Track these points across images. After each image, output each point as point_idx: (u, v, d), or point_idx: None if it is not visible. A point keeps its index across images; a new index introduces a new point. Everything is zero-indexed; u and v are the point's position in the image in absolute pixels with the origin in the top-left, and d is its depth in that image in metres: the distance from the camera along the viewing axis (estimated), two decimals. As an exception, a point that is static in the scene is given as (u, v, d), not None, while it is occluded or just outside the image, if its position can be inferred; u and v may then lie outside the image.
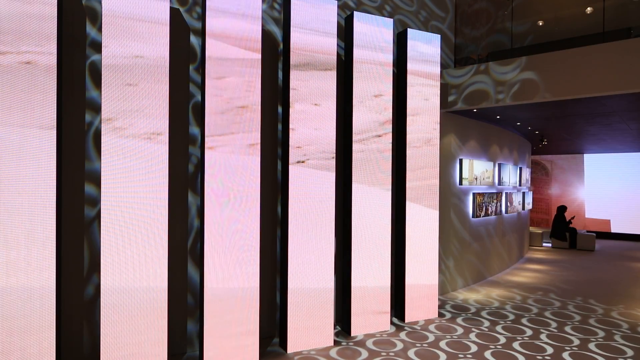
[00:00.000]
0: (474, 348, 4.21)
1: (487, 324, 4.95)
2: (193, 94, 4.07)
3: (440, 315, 5.26)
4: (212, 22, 3.65)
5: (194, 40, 4.08)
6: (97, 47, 3.59)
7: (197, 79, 4.09)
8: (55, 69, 3.09)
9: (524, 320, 5.10)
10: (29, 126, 3.02)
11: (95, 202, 3.60)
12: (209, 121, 3.62)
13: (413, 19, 5.87)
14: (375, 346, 4.22)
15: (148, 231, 3.38)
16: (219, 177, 3.65)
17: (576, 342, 4.41)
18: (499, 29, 6.55)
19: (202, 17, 3.72)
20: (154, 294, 3.40)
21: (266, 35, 4.46)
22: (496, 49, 6.52)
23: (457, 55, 6.56)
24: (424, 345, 4.27)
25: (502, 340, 4.45)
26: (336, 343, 4.30)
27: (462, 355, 4.02)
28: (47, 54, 3.06)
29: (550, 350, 4.18)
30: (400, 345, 4.25)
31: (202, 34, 3.76)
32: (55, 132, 3.08)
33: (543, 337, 4.55)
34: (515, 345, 4.31)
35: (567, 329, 4.82)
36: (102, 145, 3.25)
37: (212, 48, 3.65)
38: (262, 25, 4.27)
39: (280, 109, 4.53)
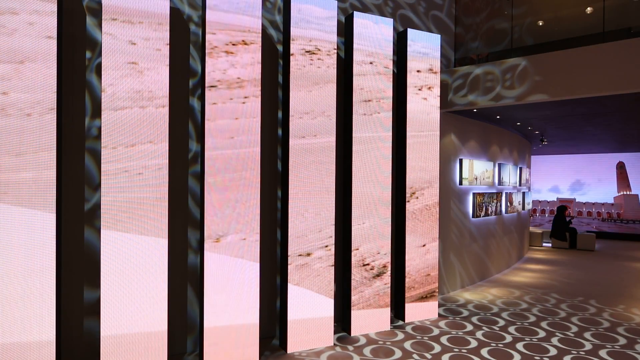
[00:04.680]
0: (473, 344, 4.22)
1: (484, 324, 4.97)
2: (192, 106, 4.07)
3: (440, 315, 5.28)
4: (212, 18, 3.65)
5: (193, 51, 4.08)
6: (98, 46, 3.59)
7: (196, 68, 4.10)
8: (55, 67, 3.09)
9: (527, 322, 5.11)
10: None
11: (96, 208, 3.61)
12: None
13: (413, 12, 5.87)
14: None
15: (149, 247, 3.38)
16: (219, 176, 3.66)
17: (588, 347, 4.29)
18: (498, 18, 6.56)
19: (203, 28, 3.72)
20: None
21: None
22: (495, 49, 6.52)
23: (457, 54, 6.56)
24: (424, 338, 4.28)
25: (508, 339, 4.46)
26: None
27: (457, 350, 4.03)
28: (47, 53, 3.07)
29: (553, 352, 4.16)
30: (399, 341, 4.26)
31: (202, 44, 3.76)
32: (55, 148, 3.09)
33: (554, 340, 4.47)
34: (519, 345, 4.31)
35: (587, 334, 4.64)
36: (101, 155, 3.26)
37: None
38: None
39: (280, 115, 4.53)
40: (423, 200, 5.11)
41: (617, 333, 4.70)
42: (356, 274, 4.55)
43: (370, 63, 4.62)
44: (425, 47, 5.13)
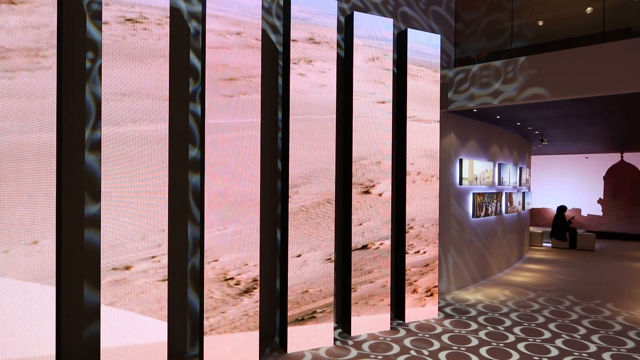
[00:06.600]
0: (473, 343, 4.22)
1: (481, 324, 4.95)
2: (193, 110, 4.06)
3: (439, 314, 5.27)
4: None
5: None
6: (97, 47, 3.58)
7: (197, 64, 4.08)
8: (55, 69, 3.08)
9: (534, 323, 5.09)
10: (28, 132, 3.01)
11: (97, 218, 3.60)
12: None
13: (413, 10, 5.87)
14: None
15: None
16: (218, 177, 3.66)
17: (593, 349, 4.24)
18: (498, 18, 6.57)
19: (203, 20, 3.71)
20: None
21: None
22: (495, 49, 6.52)
23: (456, 54, 6.56)
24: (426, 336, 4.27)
25: (511, 339, 4.44)
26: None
27: (455, 348, 4.02)
28: (48, 56, 3.06)
29: (554, 352, 4.13)
30: (396, 348, 4.25)
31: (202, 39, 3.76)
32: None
33: (558, 341, 4.41)
34: (520, 345, 4.30)
35: (595, 337, 4.55)
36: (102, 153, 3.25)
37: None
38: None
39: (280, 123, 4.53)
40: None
41: (627, 336, 4.63)
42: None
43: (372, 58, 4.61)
44: (425, 48, 5.12)
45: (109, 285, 3.25)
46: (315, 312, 4.19)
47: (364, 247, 4.58)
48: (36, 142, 3.02)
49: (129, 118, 3.31)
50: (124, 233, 3.29)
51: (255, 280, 3.77)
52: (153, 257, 3.37)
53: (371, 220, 4.62)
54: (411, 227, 5.02)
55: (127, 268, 3.30)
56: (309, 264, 4.16)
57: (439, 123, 5.20)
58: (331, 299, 4.26)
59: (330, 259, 4.25)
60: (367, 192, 4.58)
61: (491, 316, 5.25)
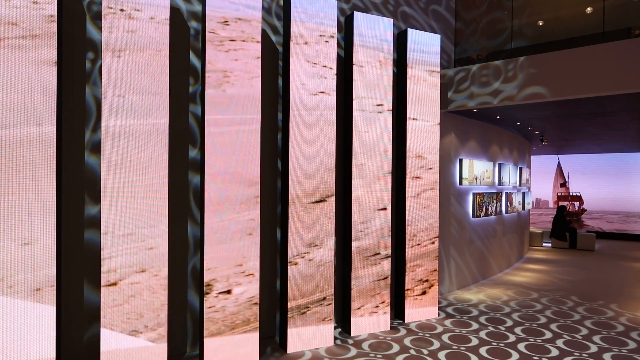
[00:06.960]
0: (473, 343, 4.21)
1: (482, 324, 4.95)
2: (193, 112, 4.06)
3: (440, 314, 5.26)
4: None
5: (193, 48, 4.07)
6: (96, 47, 3.58)
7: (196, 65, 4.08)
8: (55, 67, 3.08)
9: (535, 323, 5.08)
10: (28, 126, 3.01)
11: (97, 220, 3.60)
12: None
13: (413, 9, 5.87)
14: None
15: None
16: (219, 177, 3.66)
17: (593, 349, 4.24)
18: (498, 18, 6.58)
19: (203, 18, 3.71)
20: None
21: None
22: (495, 49, 6.52)
23: (456, 54, 6.56)
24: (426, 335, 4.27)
25: (512, 339, 4.44)
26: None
27: (455, 347, 4.02)
28: (48, 48, 3.06)
29: (554, 353, 4.12)
30: (396, 348, 4.24)
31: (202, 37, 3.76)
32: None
33: (559, 342, 4.40)
34: (521, 345, 4.29)
35: (596, 338, 4.53)
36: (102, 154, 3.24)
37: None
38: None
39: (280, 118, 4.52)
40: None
41: (629, 337, 4.60)
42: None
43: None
44: (425, 47, 5.11)
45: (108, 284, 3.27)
46: (319, 302, 4.21)
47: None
48: (36, 138, 3.02)
49: (128, 112, 3.33)
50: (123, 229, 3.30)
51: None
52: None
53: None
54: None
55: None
56: (309, 262, 4.17)
57: (438, 123, 5.20)
58: (331, 291, 4.27)
59: (330, 256, 4.26)
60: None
61: (492, 316, 5.24)
